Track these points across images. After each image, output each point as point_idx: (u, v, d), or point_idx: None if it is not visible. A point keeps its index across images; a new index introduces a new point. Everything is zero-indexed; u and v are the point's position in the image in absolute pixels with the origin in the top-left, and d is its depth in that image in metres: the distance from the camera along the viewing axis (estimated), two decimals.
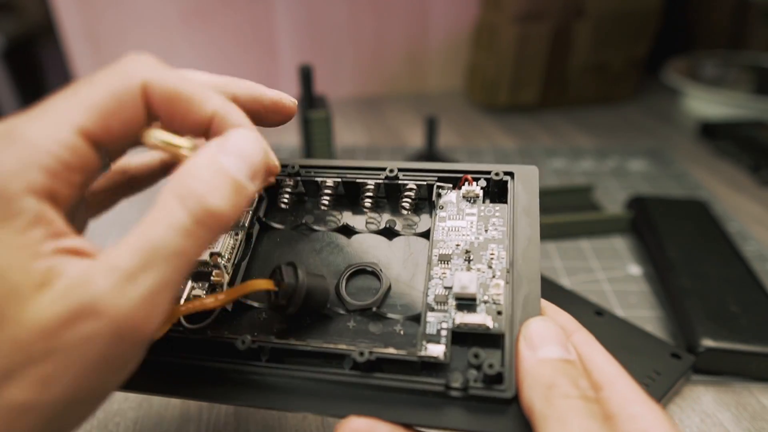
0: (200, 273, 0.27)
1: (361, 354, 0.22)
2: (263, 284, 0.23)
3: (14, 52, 1.14)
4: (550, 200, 0.54)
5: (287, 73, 0.87)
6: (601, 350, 0.22)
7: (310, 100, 0.57)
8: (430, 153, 0.62)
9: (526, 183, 0.27)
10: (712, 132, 0.72)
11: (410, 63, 0.91)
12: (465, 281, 0.24)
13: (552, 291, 0.42)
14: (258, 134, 0.22)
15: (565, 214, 0.53)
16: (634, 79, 0.86)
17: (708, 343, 0.36)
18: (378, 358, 0.23)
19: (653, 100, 0.88)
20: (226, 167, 0.19)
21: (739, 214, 0.56)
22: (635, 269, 0.48)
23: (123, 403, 0.35)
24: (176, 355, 0.24)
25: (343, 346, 0.24)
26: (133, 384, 0.23)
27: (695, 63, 0.86)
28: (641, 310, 0.43)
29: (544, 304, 0.24)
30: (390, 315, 0.25)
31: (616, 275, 0.47)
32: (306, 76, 0.57)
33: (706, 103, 0.78)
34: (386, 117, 0.85)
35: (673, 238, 0.47)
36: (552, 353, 0.21)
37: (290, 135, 0.75)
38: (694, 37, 0.95)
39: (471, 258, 0.25)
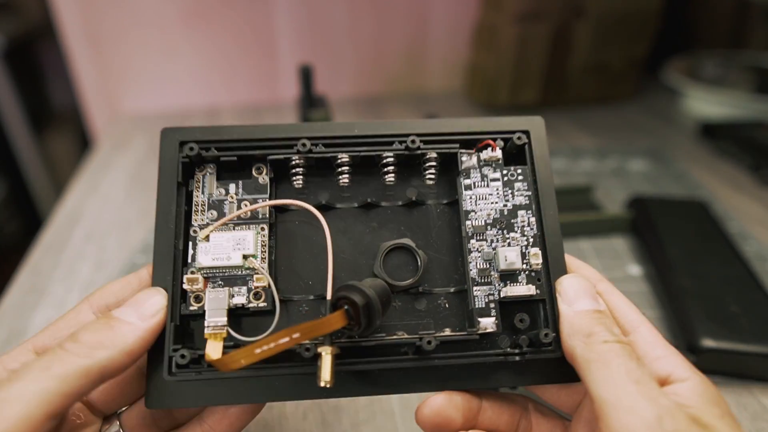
0: (233, 277, 0.25)
1: (429, 343, 0.23)
2: (339, 320, 0.22)
3: (14, 52, 1.14)
4: None
5: (287, 73, 0.87)
6: (623, 299, 0.25)
7: (310, 100, 0.57)
8: None
9: (537, 138, 0.27)
10: (712, 132, 0.72)
11: (410, 63, 0.91)
12: (511, 257, 0.25)
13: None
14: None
15: (565, 214, 0.53)
16: (634, 79, 0.86)
17: (708, 343, 0.36)
18: (441, 341, 0.24)
19: (653, 100, 0.88)
20: None
21: (739, 214, 0.56)
22: (635, 269, 0.48)
23: None
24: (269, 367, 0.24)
25: (406, 335, 0.25)
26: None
27: (695, 63, 0.86)
28: (641, 310, 0.43)
29: (569, 259, 0.26)
30: (434, 290, 0.26)
31: (616, 275, 0.47)
32: (306, 76, 0.57)
33: (706, 103, 0.78)
34: (386, 117, 0.85)
35: (673, 238, 0.47)
36: (586, 306, 0.23)
37: None
38: (694, 37, 0.95)
39: (504, 227, 0.26)
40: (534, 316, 0.25)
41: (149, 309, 0.23)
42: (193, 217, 0.26)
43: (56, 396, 0.19)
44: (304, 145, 0.26)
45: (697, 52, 0.89)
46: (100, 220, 0.59)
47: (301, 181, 0.27)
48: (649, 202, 0.53)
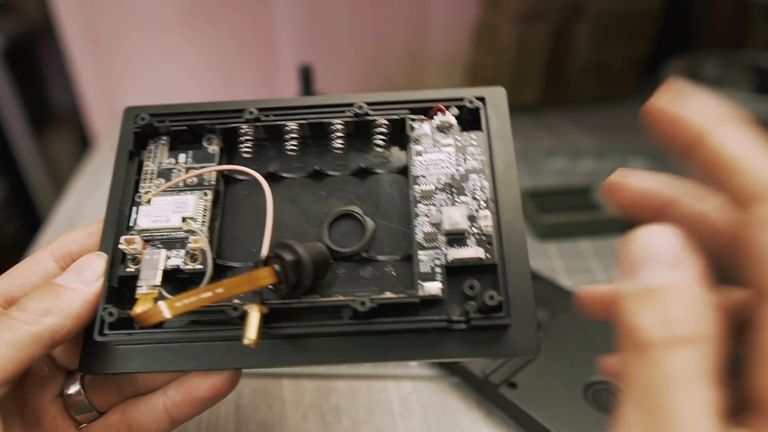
0: (172, 240, 0.25)
1: (362, 303, 0.22)
2: (266, 275, 0.22)
3: (14, 52, 1.14)
4: (550, 200, 0.54)
5: (287, 73, 0.87)
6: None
7: None
8: None
9: (496, 106, 0.27)
10: None
11: (410, 63, 0.91)
12: (455, 217, 0.24)
13: (552, 291, 0.42)
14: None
15: (565, 214, 0.53)
16: (634, 79, 0.86)
17: None
18: (379, 304, 0.22)
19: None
20: None
21: None
22: None
23: None
24: (176, 330, 0.24)
25: (341, 297, 0.23)
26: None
27: (695, 63, 0.86)
28: None
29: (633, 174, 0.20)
30: (379, 257, 0.25)
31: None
32: (306, 76, 0.57)
33: None
34: None
35: None
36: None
37: None
38: (694, 37, 0.95)
39: (454, 191, 0.25)
40: (487, 284, 0.24)
41: (91, 274, 0.23)
42: (141, 184, 0.27)
43: (8, 362, 0.20)
44: (251, 113, 0.26)
45: (697, 52, 0.89)
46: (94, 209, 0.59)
47: (250, 150, 0.27)
48: None
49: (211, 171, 0.27)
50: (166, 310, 0.20)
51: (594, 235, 0.52)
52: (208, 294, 0.20)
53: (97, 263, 0.24)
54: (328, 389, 0.37)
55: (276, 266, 0.22)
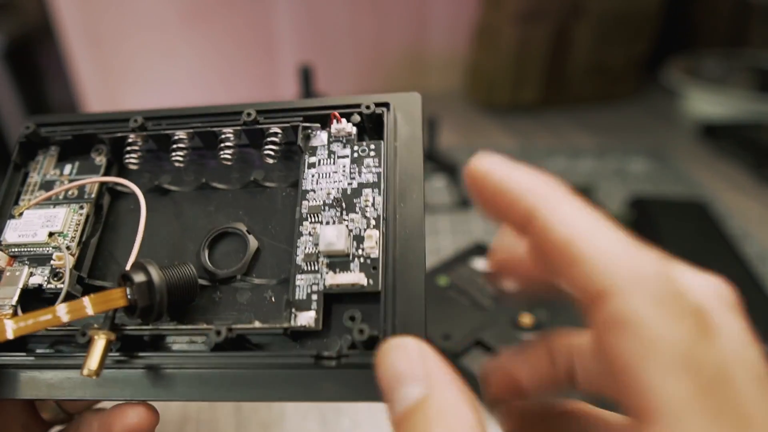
0: (40, 256, 0.23)
1: (218, 333, 0.20)
2: (115, 297, 0.20)
3: (14, 52, 1.14)
4: None
5: (287, 73, 0.87)
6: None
7: None
8: (430, 153, 0.62)
9: (407, 113, 0.24)
10: (712, 132, 0.72)
11: (410, 63, 0.91)
12: (330, 237, 0.21)
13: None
14: None
15: None
16: (634, 79, 0.86)
17: None
18: (239, 334, 0.20)
19: (653, 100, 0.88)
20: None
21: (739, 215, 0.56)
22: None
23: None
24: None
25: (204, 325, 0.21)
26: None
27: (696, 62, 0.86)
28: None
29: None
30: (258, 281, 0.23)
31: None
32: (306, 76, 0.57)
33: (706, 103, 0.78)
34: None
35: (673, 238, 0.47)
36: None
37: None
38: (694, 37, 0.95)
39: (344, 207, 0.22)
40: (371, 315, 0.20)
41: None
42: (21, 197, 0.25)
43: None
44: (135, 121, 0.25)
45: (698, 52, 0.89)
46: None
47: (137, 162, 0.25)
48: (649, 203, 0.53)
49: (87, 183, 0.25)
50: (9, 330, 0.18)
51: None
52: (48, 317, 0.18)
53: None
54: None
55: (127, 286, 0.20)
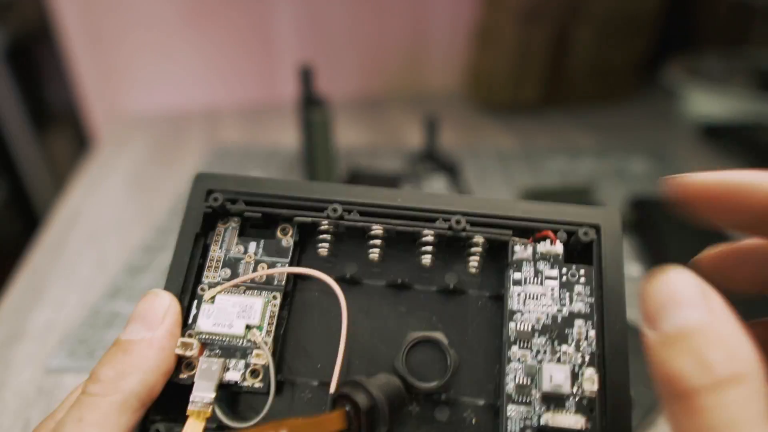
0: (233, 348, 0.22)
1: None
2: (335, 420, 0.19)
3: (14, 53, 1.14)
4: (550, 200, 0.54)
5: (287, 73, 0.87)
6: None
7: (309, 100, 0.57)
8: (430, 153, 0.62)
9: (609, 234, 0.23)
10: (713, 131, 0.72)
11: (410, 62, 0.91)
12: (559, 378, 0.20)
13: None
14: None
15: None
16: (634, 79, 0.85)
17: None
18: None
19: (653, 99, 0.88)
20: None
21: None
22: (635, 269, 0.48)
23: None
24: None
25: None
26: None
27: (696, 62, 0.86)
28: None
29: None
30: (460, 399, 0.22)
31: None
32: (306, 76, 0.57)
33: (706, 103, 0.77)
34: (387, 116, 0.84)
35: (673, 239, 0.47)
36: None
37: (289, 136, 0.75)
38: (694, 37, 0.95)
39: (555, 337, 0.21)
40: None
41: (154, 317, 0.21)
42: (204, 273, 0.24)
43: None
44: (335, 210, 0.23)
45: (698, 52, 0.89)
46: (100, 220, 0.59)
47: (327, 250, 0.24)
48: (650, 203, 0.53)
49: (283, 272, 0.24)
50: None
51: None
52: None
53: (158, 303, 0.22)
54: None
55: (347, 408, 0.19)
